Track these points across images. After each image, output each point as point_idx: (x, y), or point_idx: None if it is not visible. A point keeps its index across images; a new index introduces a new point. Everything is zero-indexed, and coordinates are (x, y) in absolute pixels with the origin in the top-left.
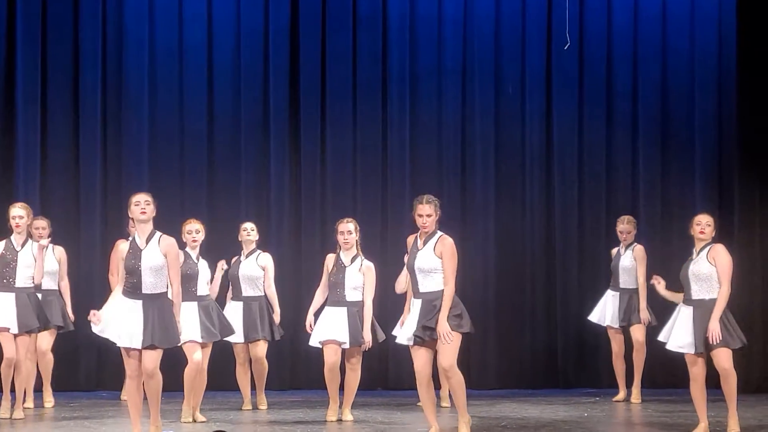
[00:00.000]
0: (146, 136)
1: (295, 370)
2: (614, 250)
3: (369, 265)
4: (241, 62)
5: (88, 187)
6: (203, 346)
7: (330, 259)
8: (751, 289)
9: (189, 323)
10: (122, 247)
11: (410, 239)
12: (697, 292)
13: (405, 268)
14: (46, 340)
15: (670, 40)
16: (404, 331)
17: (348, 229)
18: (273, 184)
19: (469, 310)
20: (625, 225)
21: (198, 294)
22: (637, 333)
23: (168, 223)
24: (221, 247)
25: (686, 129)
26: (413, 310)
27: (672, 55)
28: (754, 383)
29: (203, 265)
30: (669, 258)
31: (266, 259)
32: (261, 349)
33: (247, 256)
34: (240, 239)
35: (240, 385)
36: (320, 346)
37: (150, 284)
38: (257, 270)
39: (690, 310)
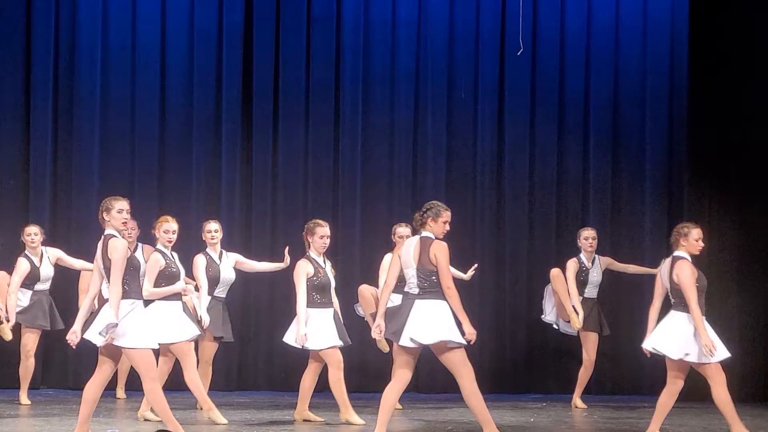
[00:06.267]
0: (98, 133)
1: (242, 371)
2: (572, 262)
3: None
4: (194, 61)
5: (38, 184)
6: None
7: (305, 265)
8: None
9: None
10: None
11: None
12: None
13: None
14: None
15: (623, 47)
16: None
17: (328, 234)
18: (224, 183)
19: None
20: (591, 232)
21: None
22: (591, 347)
23: None
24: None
25: (637, 136)
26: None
27: (624, 62)
28: (701, 390)
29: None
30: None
31: (233, 256)
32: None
33: (220, 259)
34: (204, 240)
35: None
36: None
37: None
38: (233, 272)
39: (685, 316)
